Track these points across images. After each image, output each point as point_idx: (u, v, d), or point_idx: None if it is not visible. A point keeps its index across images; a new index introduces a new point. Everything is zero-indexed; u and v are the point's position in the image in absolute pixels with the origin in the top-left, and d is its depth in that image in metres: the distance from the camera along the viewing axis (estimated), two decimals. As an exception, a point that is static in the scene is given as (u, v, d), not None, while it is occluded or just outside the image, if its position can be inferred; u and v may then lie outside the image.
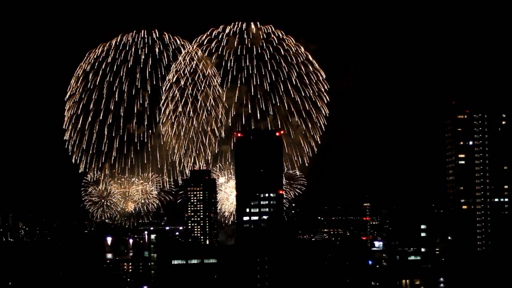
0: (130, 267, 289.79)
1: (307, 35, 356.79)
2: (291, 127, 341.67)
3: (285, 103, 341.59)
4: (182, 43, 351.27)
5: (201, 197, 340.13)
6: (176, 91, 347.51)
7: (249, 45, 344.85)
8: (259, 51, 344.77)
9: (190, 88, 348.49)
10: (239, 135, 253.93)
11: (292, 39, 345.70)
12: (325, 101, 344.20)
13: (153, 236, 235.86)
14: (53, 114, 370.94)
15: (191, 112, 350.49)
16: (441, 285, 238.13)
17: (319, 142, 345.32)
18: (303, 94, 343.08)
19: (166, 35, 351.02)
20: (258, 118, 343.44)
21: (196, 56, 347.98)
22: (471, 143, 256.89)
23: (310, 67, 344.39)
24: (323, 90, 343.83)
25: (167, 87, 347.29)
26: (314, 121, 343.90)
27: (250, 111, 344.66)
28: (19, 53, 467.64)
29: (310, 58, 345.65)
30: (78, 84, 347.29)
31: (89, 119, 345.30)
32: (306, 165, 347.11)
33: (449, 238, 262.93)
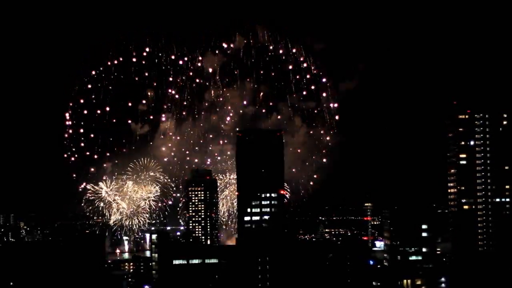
0: (131, 267, 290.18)
1: (314, 34, 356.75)
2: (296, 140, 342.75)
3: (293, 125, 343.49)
4: (186, 51, 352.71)
5: (202, 197, 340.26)
6: (178, 95, 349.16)
7: (255, 58, 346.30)
8: (266, 59, 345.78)
9: (194, 91, 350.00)
10: (240, 135, 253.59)
11: (303, 50, 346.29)
12: (334, 123, 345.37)
13: (154, 236, 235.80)
14: (55, 114, 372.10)
15: (195, 113, 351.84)
16: (443, 285, 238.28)
17: (324, 161, 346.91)
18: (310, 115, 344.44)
19: (174, 46, 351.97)
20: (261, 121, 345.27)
21: (201, 63, 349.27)
22: (472, 143, 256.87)
23: (323, 93, 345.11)
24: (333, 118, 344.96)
25: (172, 92, 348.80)
26: (320, 142, 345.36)
27: (254, 113, 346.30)
28: (22, 54, 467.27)
29: (319, 75, 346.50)
30: (81, 94, 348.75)
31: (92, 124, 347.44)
32: (311, 184, 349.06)
33: (451, 238, 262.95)
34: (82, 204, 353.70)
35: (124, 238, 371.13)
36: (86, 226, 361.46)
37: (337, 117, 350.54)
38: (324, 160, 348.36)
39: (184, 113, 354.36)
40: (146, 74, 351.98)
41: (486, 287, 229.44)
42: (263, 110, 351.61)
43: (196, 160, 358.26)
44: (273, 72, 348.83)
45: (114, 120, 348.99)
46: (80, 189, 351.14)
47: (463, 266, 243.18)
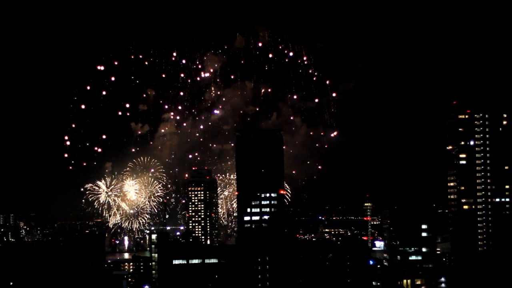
0: (131, 267, 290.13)
1: (314, 34, 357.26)
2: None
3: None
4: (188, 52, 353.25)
5: (202, 197, 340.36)
6: (178, 95, 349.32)
7: (255, 58, 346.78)
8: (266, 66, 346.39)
9: (194, 90, 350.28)
10: (240, 134, 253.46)
11: (303, 50, 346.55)
12: (334, 123, 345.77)
13: (154, 236, 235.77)
14: (55, 115, 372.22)
15: (195, 113, 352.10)
16: (442, 285, 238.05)
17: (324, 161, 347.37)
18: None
19: (174, 46, 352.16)
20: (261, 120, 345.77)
21: (201, 63, 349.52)
22: (472, 143, 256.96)
23: (323, 93, 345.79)
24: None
25: (172, 92, 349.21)
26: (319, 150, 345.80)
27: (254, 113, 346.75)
28: (22, 55, 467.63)
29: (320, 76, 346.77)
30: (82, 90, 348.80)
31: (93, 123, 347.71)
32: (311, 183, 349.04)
33: (451, 238, 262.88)
34: (82, 204, 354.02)
35: (124, 238, 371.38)
36: (86, 226, 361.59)
37: (337, 117, 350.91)
38: (324, 160, 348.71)
39: (184, 113, 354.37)
40: (146, 74, 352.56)
41: (486, 287, 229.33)
42: (263, 111, 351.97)
43: (196, 161, 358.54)
44: (273, 72, 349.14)
45: (114, 120, 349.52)
46: (81, 189, 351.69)
47: (463, 266, 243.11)
